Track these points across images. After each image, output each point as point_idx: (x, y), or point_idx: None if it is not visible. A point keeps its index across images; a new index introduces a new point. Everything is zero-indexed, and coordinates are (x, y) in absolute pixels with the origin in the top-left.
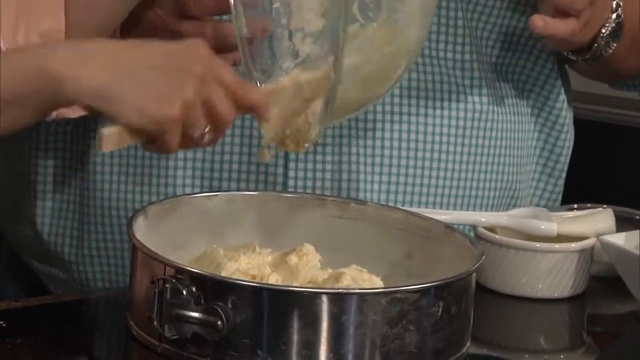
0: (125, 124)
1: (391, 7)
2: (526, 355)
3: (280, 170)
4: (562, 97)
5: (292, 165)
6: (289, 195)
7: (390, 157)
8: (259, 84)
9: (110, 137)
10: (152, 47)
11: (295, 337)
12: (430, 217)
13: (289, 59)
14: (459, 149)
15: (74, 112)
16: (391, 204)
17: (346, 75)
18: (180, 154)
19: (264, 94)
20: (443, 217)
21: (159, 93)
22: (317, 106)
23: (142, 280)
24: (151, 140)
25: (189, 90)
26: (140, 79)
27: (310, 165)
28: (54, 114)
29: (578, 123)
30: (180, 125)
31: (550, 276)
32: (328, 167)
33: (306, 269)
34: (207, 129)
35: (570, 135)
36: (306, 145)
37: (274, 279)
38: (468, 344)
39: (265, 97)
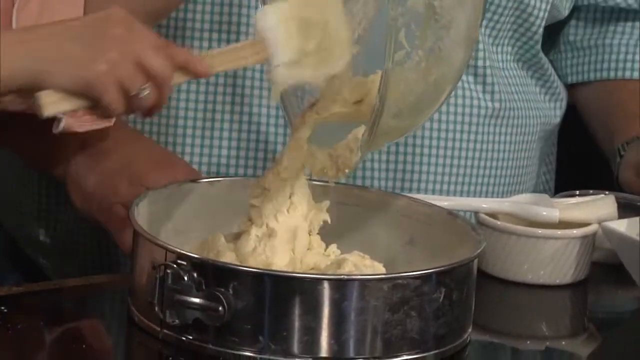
0: (58, 86)
1: (437, 35)
2: (528, 342)
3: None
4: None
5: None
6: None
7: (396, 144)
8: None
9: (49, 101)
10: (70, 22)
11: (296, 323)
12: (432, 204)
13: None
14: (465, 136)
15: (81, 127)
16: (397, 190)
17: (390, 104)
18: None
19: (190, 52)
20: (445, 203)
21: (81, 56)
22: (359, 132)
23: (144, 266)
24: (92, 105)
25: (111, 49)
26: (62, 49)
27: None
28: (61, 126)
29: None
30: (113, 83)
31: (552, 263)
32: None
33: (309, 256)
34: (146, 87)
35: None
36: (347, 171)
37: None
38: (469, 330)
39: (191, 54)
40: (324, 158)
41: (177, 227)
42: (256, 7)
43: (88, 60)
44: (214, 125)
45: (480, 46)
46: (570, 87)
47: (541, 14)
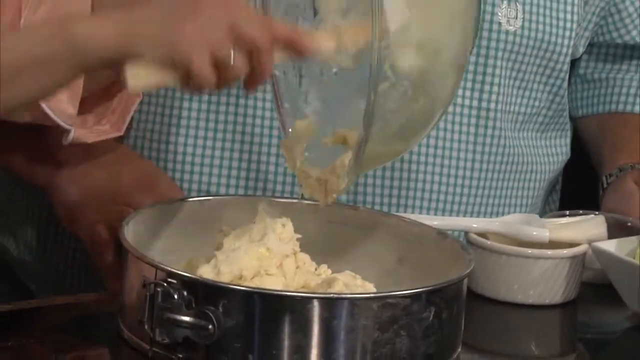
0: (146, 52)
1: (424, 64)
2: None
3: (289, 179)
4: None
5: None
6: (282, 200)
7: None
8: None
9: (137, 74)
10: None
11: (286, 342)
12: (422, 223)
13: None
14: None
15: (90, 138)
16: (389, 208)
17: (376, 131)
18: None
19: (293, 28)
20: (435, 222)
21: (169, 19)
22: (345, 158)
23: (134, 284)
24: (183, 77)
25: (202, 13)
26: (151, 16)
27: None
28: (70, 137)
29: None
30: (201, 48)
31: (541, 282)
32: None
33: (299, 274)
34: (233, 53)
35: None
36: (334, 196)
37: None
38: (459, 349)
39: (295, 30)
40: (315, 180)
41: (166, 246)
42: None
43: (176, 22)
44: (215, 144)
45: (497, 89)
46: (580, 120)
47: (564, 50)
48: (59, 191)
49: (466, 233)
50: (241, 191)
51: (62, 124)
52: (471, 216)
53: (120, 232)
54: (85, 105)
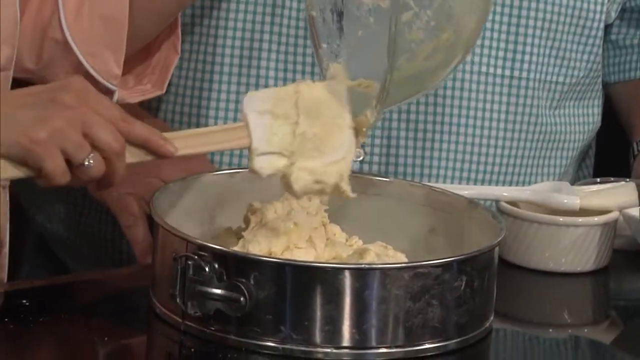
0: (3, 156)
1: None
2: (550, 330)
3: None
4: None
5: None
6: None
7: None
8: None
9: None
10: (29, 90)
11: (318, 313)
12: (452, 192)
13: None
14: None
15: (133, 98)
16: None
17: (402, 62)
18: None
19: (153, 131)
20: (465, 192)
21: (26, 124)
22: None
23: (165, 257)
24: (37, 173)
25: (56, 117)
26: (10, 118)
27: None
28: (115, 98)
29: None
30: (53, 151)
31: (573, 250)
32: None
33: (330, 246)
34: (90, 157)
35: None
36: (365, 130)
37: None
38: (491, 318)
39: (155, 133)
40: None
41: (197, 218)
42: (277, 52)
43: (31, 127)
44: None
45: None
46: (612, 86)
47: (598, 16)
48: None
49: (497, 202)
50: None
51: (107, 84)
52: (502, 185)
53: (151, 205)
54: (125, 66)
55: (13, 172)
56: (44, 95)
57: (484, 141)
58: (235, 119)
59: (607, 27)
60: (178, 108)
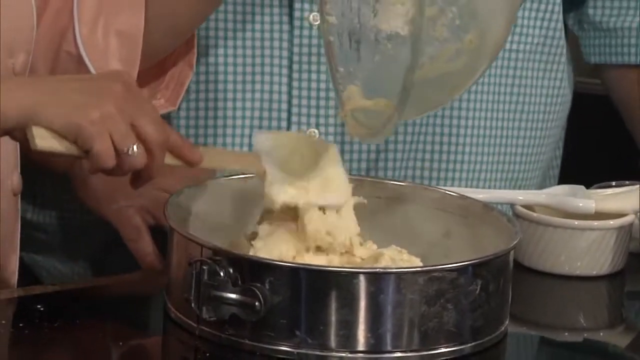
0: (50, 124)
1: None
2: (565, 333)
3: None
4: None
5: (294, 128)
6: None
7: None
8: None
9: (44, 134)
10: (76, 76)
11: (333, 317)
12: (467, 196)
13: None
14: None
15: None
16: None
17: (425, 60)
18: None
19: (185, 139)
20: (480, 195)
21: (78, 102)
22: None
23: (179, 262)
24: (82, 154)
25: (108, 102)
26: (61, 95)
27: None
28: None
29: (610, 100)
30: (104, 133)
31: (588, 254)
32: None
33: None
34: (135, 147)
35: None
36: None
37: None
38: (506, 322)
39: (187, 141)
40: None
41: (210, 224)
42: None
43: (84, 106)
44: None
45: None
46: (596, 66)
47: None
48: (82, 179)
49: (512, 206)
50: None
51: None
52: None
53: (165, 210)
54: (139, 80)
55: (54, 144)
56: (94, 83)
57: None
58: (243, 139)
59: (586, 7)
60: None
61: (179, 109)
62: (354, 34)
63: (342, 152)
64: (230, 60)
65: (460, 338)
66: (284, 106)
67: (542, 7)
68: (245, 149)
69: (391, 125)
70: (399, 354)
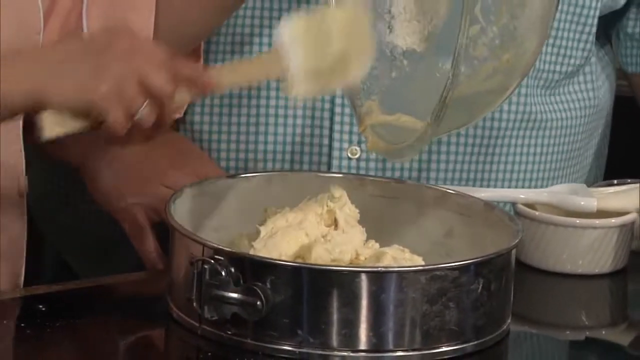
0: (60, 106)
1: (512, 12)
2: (567, 332)
3: (325, 150)
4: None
5: (336, 144)
6: (327, 175)
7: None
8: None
9: (52, 122)
10: (73, 39)
11: (335, 317)
12: (469, 195)
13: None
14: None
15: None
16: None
17: (463, 77)
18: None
19: (195, 67)
20: (482, 194)
21: (87, 72)
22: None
23: (181, 261)
24: (96, 123)
25: (115, 65)
26: (67, 69)
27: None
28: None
29: (617, 99)
30: (117, 100)
31: (590, 252)
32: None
33: (350, 245)
34: (145, 105)
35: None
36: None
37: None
38: (509, 320)
39: (205, 70)
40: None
41: (213, 223)
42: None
43: (91, 78)
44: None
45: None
46: (630, 76)
47: (593, 4)
48: (92, 176)
49: (514, 204)
50: (287, 165)
51: None
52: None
53: (166, 209)
54: None
55: (67, 127)
56: (97, 42)
57: (487, 133)
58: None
59: (622, 20)
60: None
61: (220, 123)
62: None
63: (384, 169)
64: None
65: (462, 337)
66: (326, 123)
67: (585, 29)
68: (287, 165)
69: (422, 143)
70: (400, 353)
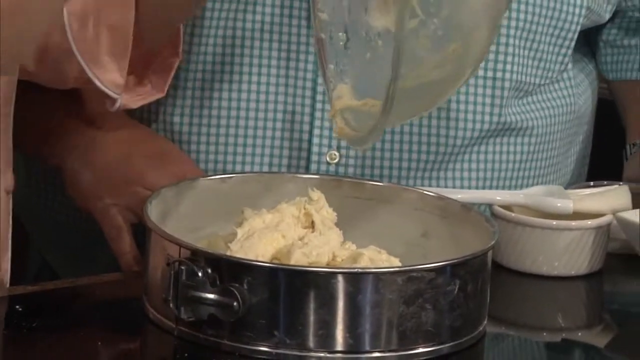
0: None
1: (454, 3)
2: (544, 333)
3: (304, 154)
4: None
5: (315, 148)
6: (304, 176)
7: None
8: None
9: None
10: None
11: (311, 317)
12: (446, 196)
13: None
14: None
15: (134, 102)
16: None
17: (408, 71)
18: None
19: None
20: (459, 196)
21: None
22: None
23: (158, 262)
24: None
25: None
26: None
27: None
28: (117, 105)
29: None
30: None
31: (566, 254)
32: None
33: (327, 247)
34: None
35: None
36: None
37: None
38: (485, 322)
39: None
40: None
41: (189, 224)
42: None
43: None
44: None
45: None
46: (610, 83)
47: (576, 19)
48: (72, 176)
49: (490, 206)
50: (265, 167)
51: (110, 92)
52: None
53: (143, 210)
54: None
55: None
56: None
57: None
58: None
59: (601, 27)
60: (178, 110)
61: (200, 124)
62: (345, 30)
63: (362, 175)
64: (254, 78)
65: (439, 338)
66: (306, 127)
67: (565, 43)
68: (265, 168)
69: (377, 134)
70: (377, 354)
